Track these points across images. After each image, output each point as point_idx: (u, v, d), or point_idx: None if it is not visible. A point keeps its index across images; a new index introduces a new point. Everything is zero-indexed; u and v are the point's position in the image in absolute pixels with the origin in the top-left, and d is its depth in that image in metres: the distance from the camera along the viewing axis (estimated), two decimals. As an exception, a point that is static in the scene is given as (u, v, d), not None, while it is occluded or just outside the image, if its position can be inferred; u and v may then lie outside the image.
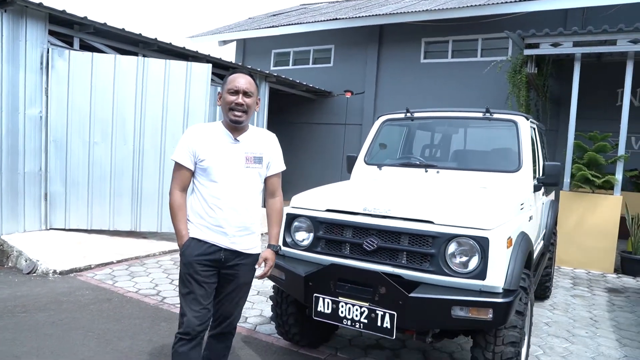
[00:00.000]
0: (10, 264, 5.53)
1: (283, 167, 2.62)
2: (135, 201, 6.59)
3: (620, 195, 6.78)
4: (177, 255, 6.21)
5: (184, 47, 8.03)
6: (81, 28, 6.96)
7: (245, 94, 2.37)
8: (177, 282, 5.04)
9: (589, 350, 3.91)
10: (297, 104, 12.63)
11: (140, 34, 7.35)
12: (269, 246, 2.58)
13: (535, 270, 4.31)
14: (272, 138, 2.59)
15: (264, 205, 2.67)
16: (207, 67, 6.62)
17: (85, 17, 6.64)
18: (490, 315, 2.56)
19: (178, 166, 2.42)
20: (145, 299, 4.56)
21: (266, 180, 2.56)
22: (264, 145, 2.51)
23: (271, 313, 3.66)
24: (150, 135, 6.58)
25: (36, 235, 6.22)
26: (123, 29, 7.09)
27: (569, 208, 6.97)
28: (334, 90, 12.26)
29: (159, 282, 5.10)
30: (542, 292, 5.14)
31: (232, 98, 2.36)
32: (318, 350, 3.62)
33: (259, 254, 2.54)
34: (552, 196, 5.61)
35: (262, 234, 2.63)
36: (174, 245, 6.56)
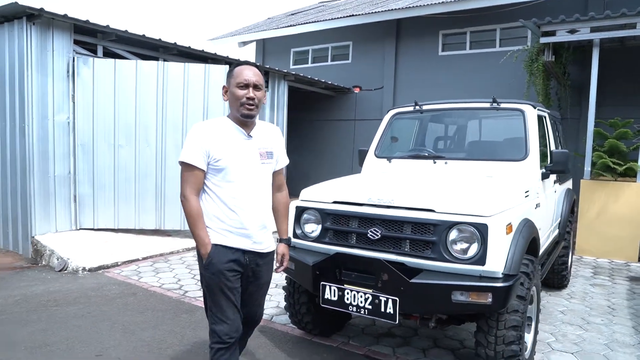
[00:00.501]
0: (43, 262, 5.85)
1: (287, 161, 2.60)
2: (159, 201, 6.84)
3: (644, 183, 6.66)
4: (199, 252, 6.45)
5: (202, 50, 8.25)
6: (104, 36, 7.26)
7: (255, 87, 2.28)
8: (199, 277, 5.28)
9: (602, 337, 3.91)
10: (316, 102, 12.75)
11: (160, 39, 7.60)
12: (281, 240, 2.56)
13: (548, 258, 4.33)
14: (278, 131, 2.54)
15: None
16: (225, 69, 6.81)
17: (108, 26, 6.92)
18: (490, 300, 2.63)
19: (190, 168, 2.24)
20: (168, 293, 4.78)
21: (273, 174, 2.50)
22: (273, 140, 2.46)
23: (284, 307, 3.80)
24: (172, 137, 6.82)
25: (67, 235, 6.54)
26: (143, 35, 7.35)
27: (590, 197, 6.88)
28: (357, 85, 12.32)
29: (181, 277, 5.31)
30: (559, 281, 5.13)
31: (242, 92, 2.26)
32: (331, 338, 3.74)
33: (274, 250, 2.50)
34: (568, 185, 5.58)
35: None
36: (197, 242, 6.79)
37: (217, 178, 2.27)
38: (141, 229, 6.97)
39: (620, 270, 6.19)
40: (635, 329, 4.11)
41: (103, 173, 6.82)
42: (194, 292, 4.82)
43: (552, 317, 4.33)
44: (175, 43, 7.73)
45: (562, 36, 7.09)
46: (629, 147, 6.78)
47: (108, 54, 7.45)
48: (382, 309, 2.81)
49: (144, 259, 5.96)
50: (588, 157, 7.02)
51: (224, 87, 2.38)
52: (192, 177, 2.25)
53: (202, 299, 4.55)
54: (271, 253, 2.47)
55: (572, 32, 7.00)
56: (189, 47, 7.94)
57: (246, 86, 2.27)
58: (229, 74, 2.34)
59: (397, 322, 2.80)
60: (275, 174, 2.51)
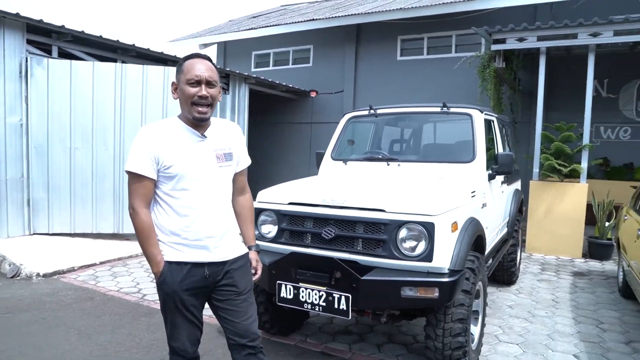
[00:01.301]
0: (-5, 269, 5.68)
1: (249, 161, 2.35)
2: (117, 204, 6.75)
3: (586, 183, 7.06)
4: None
5: (162, 52, 8.19)
6: (59, 36, 7.11)
7: (209, 83, 2.01)
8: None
9: (545, 328, 4.16)
10: (278, 105, 12.82)
11: (117, 41, 7.51)
12: (250, 247, 2.34)
13: (496, 254, 4.56)
14: (237, 129, 2.26)
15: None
16: (184, 71, 6.78)
17: (63, 26, 6.79)
18: (437, 294, 2.79)
19: (137, 178, 1.98)
20: (126, 297, 4.74)
21: (235, 177, 2.24)
22: (231, 139, 2.18)
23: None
24: (131, 140, 6.71)
25: (20, 240, 6.36)
26: (100, 36, 7.25)
27: (538, 197, 7.24)
28: (313, 89, 12.46)
29: (140, 281, 5.28)
30: (509, 277, 5.38)
31: (193, 90, 1.98)
32: (289, 337, 3.82)
33: (247, 252, 2.28)
34: (517, 185, 5.87)
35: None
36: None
37: (169, 187, 2.01)
38: (99, 233, 6.86)
39: (565, 266, 6.54)
40: (575, 320, 4.38)
41: (58, 176, 6.68)
42: (153, 295, 4.80)
43: (501, 312, 4.56)
44: (133, 45, 7.65)
45: (511, 44, 7.43)
46: (573, 150, 7.16)
47: (63, 54, 7.31)
48: (336, 306, 2.92)
49: (101, 263, 5.87)
50: (536, 159, 7.39)
51: (173, 83, 2.09)
52: (141, 187, 1.99)
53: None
54: (241, 258, 2.21)
55: (520, 40, 7.36)
56: (148, 49, 7.87)
57: (198, 83, 1.99)
58: (178, 69, 2.06)
59: (349, 317, 2.91)
60: (236, 176, 2.26)
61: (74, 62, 6.68)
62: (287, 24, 12.07)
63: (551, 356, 3.58)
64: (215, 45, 14.13)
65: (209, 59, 2.07)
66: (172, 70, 6.78)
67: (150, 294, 4.84)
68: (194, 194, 2.03)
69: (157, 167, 1.99)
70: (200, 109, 2.00)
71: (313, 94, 11.95)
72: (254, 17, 15.88)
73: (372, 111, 4.61)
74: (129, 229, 6.79)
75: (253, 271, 2.31)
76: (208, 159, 2.07)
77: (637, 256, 4.16)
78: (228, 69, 10.26)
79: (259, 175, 12.81)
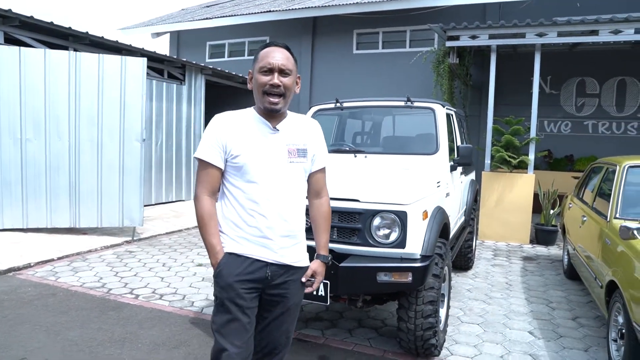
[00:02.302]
0: (-58, 267, 5.38)
1: (327, 162, 2.17)
2: (74, 197, 6.53)
3: (533, 174, 7.52)
4: (120, 249, 6.29)
5: (117, 41, 7.96)
6: (5, 21, 6.76)
7: (282, 72, 1.91)
8: (123, 274, 5.20)
9: (502, 308, 4.46)
10: (234, 96, 12.71)
11: (70, 28, 7.23)
12: (318, 257, 2.13)
13: (456, 241, 4.81)
14: (316, 126, 2.12)
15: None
16: (142, 61, 6.64)
17: (10, 10, 6.47)
18: (410, 279, 2.95)
19: (204, 165, 1.94)
20: (91, 292, 4.64)
21: (310, 177, 2.09)
22: (307, 135, 2.05)
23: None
24: (87, 130, 6.53)
25: (-32, 236, 6.05)
26: (52, 22, 6.96)
27: (490, 187, 7.64)
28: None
29: (103, 276, 5.17)
30: (465, 263, 5.69)
31: (266, 79, 1.90)
32: (262, 325, 3.89)
33: (308, 266, 2.09)
34: (472, 176, 6.18)
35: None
36: (116, 240, 6.60)
37: (236, 177, 1.94)
38: (54, 228, 6.61)
39: (515, 251, 6.97)
40: (528, 300, 4.72)
41: (8, 169, 6.38)
42: (118, 289, 4.73)
43: (461, 295, 4.83)
44: (87, 32, 7.40)
45: (464, 41, 7.76)
46: (522, 142, 7.60)
47: (10, 40, 6.95)
48: (315, 292, 3.03)
49: (59, 258, 5.69)
50: (488, 151, 7.78)
51: (249, 72, 2.01)
52: (206, 175, 1.94)
53: (128, 295, 4.53)
54: (303, 269, 2.06)
55: (473, 37, 7.69)
56: (102, 37, 7.64)
57: (270, 71, 1.90)
58: (255, 58, 1.98)
59: (328, 303, 3.03)
60: (312, 176, 2.10)
61: (23, 49, 6.37)
62: (243, 14, 11.97)
63: (509, 333, 3.86)
64: (168, 35, 13.79)
65: (287, 48, 1.96)
66: (130, 60, 6.60)
67: (116, 288, 4.77)
68: (260, 187, 1.92)
69: (224, 156, 1.93)
70: (271, 99, 1.91)
71: None
72: (208, 6, 15.60)
73: (338, 104, 4.72)
74: (87, 222, 6.60)
75: (305, 279, 2.06)
76: (278, 153, 1.95)
77: (582, 240, 4.53)
78: (184, 59, 10.09)
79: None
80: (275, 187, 1.94)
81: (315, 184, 2.12)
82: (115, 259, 5.85)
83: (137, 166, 6.61)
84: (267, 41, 12.39)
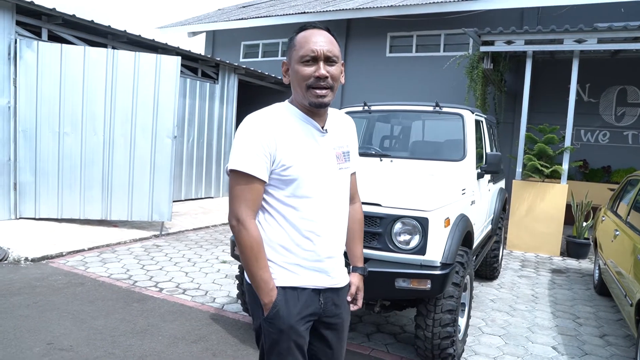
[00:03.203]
0: (-19, 252, 5.64)
1: (360, 164, 1.96)
2: (106, 190, 6.73)
3: (566, 184, 7.31)
4: (148, 243, 6.45)
5: (153, 40, 8.15)
6: (49, 19, 7.03)
7: (328, 60, 1.56)
8: (149, 267, 5.32)
9: (525, 321, 4.35)
10: (266, 96, 12.83)
11: (109, 26, 7.46)
12: (356, 269, 1.87)
13: (481, 249, 4.73)
14: (352, 123, 1.85)
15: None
16: (177, 60, 6.79)
17: (54, 9, 6.72)
18: (429, 286, 2.92)
19: (245, 179, 1.54)
20: (118, 283, 4.78)
21: None
22: (347, 134, 1.78)
23: (236, 295, 3.95)
24: (120, 126, 6.72)
25: (6, 224, 6.31)
26: (92, 21, 7.19)
27: (520, 196, 7.46)
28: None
29: (130, 268, 5.31)
30: (491, 273, 5.57)
31: (310, 70, 1.55)
32: (281, 325, 3.92)
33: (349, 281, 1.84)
34: (501, 184, 6.05)
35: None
36: (145, 233, 6.77)
37: (284, 193, 1.59)
38: (86, 219, 6.84)
39: (544, 263, 6.78)
40: (554, 314, 4.59)
41: (47, 160, 6.63)
42: (144, 282, 4.85)
43: (484, 305, 4.74)
44: (125, 31, 7.61)
45: (500, 46, 7.61)
46: (555, 152, 7.40)
47: (54, 37, 7.23)
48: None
49: (90, 249, 5.88)
50: (520, 159, 7.60)
51: (283, 63, 1.67)
52: (249, 192, 1.55)
53: (153, 288, 4.63)
54: (348, 287, 1.81)
55: (508, 43, 7.53)
56: (140, 35, 7.84)
57: (314, 60, 1.55)
58: (290, 45, 1.62)
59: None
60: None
61: (64, 46, 6.62)
62: (278, 15, 12.08)
63: (531, 347, 3.76)
64: (204, 34, 14.05)
65: (328, 30, 1.61)
66: (164, 58, 6.77)
67: (141, 280, 4.89)
68: (316, 203, 1.60)
69: (271, 167, 1.56)
70: (319, 91, 1.55)
71: None
72: (244, 7, 15.81)
73: (366, 107, 4.71)
74: (117, 215, 6.79)
75: (349, 297, 1.81)
76: (329, 159, 1.65)
77: (613, 255, 4.37)
78: (218, 59, 10.26)
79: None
80: (330, 201, 1.64)
81: (350, 188, 1.82)
82: (142, 252, 5.99)
83: (167, 162, 6.76)
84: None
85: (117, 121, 6.73)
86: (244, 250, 1.56)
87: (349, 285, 1.80)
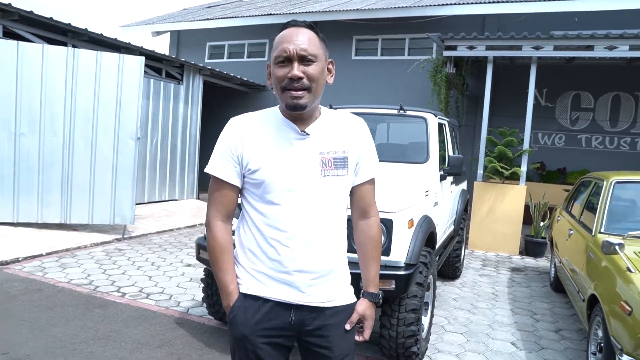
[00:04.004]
0: None
1: (377, 172, 1.68)
2: (66, 194, 6.53)
3: (525, 185, 7.57)
4: (110, 247, 6.30)
5: (115, 39, 7.97)
6: (5, 15, 6.78)
7: (304, 59, 1.45)
8: (111, 272, 5.20)
9: (486, 319, 4.49)
10: (231, 98, 12.75)
11: (69, 24, 7.25)
12: (365, 295, 1.66)
13: (444, 250, 4.84)
14: (361, 126, 1.65)
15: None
16: (140, 60, 6.66)
17: (9, 4, 6.49)
18: (393, 286, 2.98)
19: (217, 182, 1.55)
20: (78, 289, 4.65)
21: (353, 191, 1.64)
22: (348, 139, 1.59)
23: (202, 298, 3.91)
24: (81, 128, 6.54)
25: (-42, 228, 6.04)
26: (51, 18, 6.98)
27: (481, 197, 7.67)
28: (267, 84, 12.47)
29: (91, 273, 5.17)
30: (453, 272, 5.71)
31: (283, 72, 1.46)
32: (247, 327, 3.91)
33: (355, 302, 1.64)
34: (463, 186, 6.22)
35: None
36: (106, 237, 6.60)
37: (256, 197, 1.54)
38: (44, 223, 6.61)
39: (504, 262, 7.00)
40: (513, 311, 4.75)
41: (1, 162, 6.38)
42: (106, 287, 4.73)
43: (446, 304, 4.85)
44: (86, 29, 7.42)
45: (462, 51, 7.81)
46: (515, 154, 7.65)
47: (8, 34, 6.97)
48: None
49: (48, 254, 5.69)
50: (481, 161, 7.82)
51: (267, 66, 1.57)
52: (219, 195, 1.55)
53: (115, 293, 4.53)
54: (345, 309, 1.60)
55: (470, 48, 7.75)
56: (101, 34, 7.66)
57: (288, 60, 1.46)
58: (273, 44, 1.52)
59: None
60: (355, 190, 1.64)
61: (21, 43, 6.38)
62: (244, 16, 12.02)
63: (492, 344, 3.89)
64: (168, 34, 13.82)
65: (310, 27, 1.50)
66: (127, 58, 6.63)
67: (103, 285, 4.77)
68: (284, 210, 1.50)
69: (240, 170, 1.53)
70: (293, 93, 1.45)
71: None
72: (209, 7, 15.64)
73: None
74: (77, 219, 6.60)
75: (349, 325, 1.60)
76: (308, 164, 1.52)
77: (568, 254, 4.56)
78: (183, 59, 10.12)
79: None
80: (304, 210, 1.50)
81: (360, 200, 1.65)
82: (104, 256, 5.85)
83: (130, 164, 6.62)
84: (267, 43, 12.36)
85: (78, 122, 6.54)
86: (209, 251, 1.57)
87: (347, 309, 1.60)
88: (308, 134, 1.53)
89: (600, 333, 3.09)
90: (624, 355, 2.54)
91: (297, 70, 1.44)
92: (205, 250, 3.43)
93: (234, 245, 1.61)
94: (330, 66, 1.57)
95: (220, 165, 1.54)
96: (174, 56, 10.84)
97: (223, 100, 12.76)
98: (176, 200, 10.27)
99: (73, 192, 6.55)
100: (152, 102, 9.30)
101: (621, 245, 3.00)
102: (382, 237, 3.04)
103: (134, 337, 3.60)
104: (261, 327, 1.51)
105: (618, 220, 3.83)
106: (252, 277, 1.54)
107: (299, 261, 1.51)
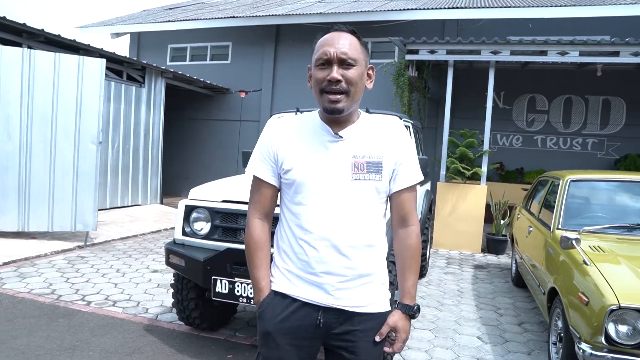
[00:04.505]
0: None
1: (420, 177, 1.64)
2: (23, 200, 6.29)
3: (485, 185, 7.82)
4: (71, 254, 6.12)
5: (74, 40, 7.76)
6: (-46, 15, 6.48)
7: (343, 62, 1.48)
8: (74, 280, 5.06)
9: (453, 315, 4.62)
10: (194, 100, 12.59)
11: (24, 24, 7.01)
12: (398, 306, 1.61)
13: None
14: (400, 131, 1.62)
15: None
16: (101, 63, 6.50)
17: (-40, 5, 6.20)
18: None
19: (255, 181, 1.62)
20: (40, 298, 4.49)
21: (392, 198, 1.62)
22: (384, 143, 1.57)
23: (172, 304, 3.86)
24: (39, 132, 6.31)
25: None
26: (4, 17, 6.72)
27: (444, 197, 7.88)
28: (231, 87, 12.40)
29: (52, 282, 5.01)
30: (420, 271, 5.83)
31: (323, 74, 1.49)
32: (218, 332, 3.89)
33: (385, 312, 1.60)
34: (427, 187, 6.37)
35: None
36: (68, 245, 6.41)
37: (288, 197, 1.58)
38: (0, 232, 6.35)
39: (467, 260, 7.21)
40: (477, 307, 4.91)
41: (-48, 169, 6.09)
42: (69, 295, 4.60)
43: (413, 302, 4.96)
44: (42, 30, 7.19)
45: (423, 55, 8.01)
46: (475, 155, 7.90)
47: (-41, 36, 6.67)
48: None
49: (5, 264, 5.46)
50: (443, 162, 8.04)
51: (308, 68, 1.60)
52: (258, 194, 1.61)
53: (80, 302, 4.42)
54: (378, 315, 1.58)
55: (431, 52, 7.95)
56: (59, 35, 7.43)
57: (327, 63, 1.48)
58: (314, 48, 1.56)
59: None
60: (394, 197, 1.61)
61: (-27, 45, 6.13)
62: (206, 19, 11.90)
63: (459, 339, 4.01)
64: (128, 35, 13.52)
65: (352, 32, 1.54)
66: (87, 60, 6.46)
67: (66, 294, 4.63)
68: (311, 211, 1.52)
69: (276, 170, 1.58)
70: (331, 96, 1.48)
71: (242, 95, 11.88)
72: (170, 8, 15.41)
73: (298, 113, 4.79)
74: (36, 226, 6.37)
75: (378, 337, 1.58)
76: (339, 167, 1.53)
77: (528, 250, 4.76)
78: (144, 62, 9.93)
79: (177, 173, 12.53)
80: (330, 212, 1.51)
81: (398, 208, 1.61)
82: (66, 264, 5.67)
83: (92, 169, 6.45)
84: (230, 45, 12.27)
85: (36, 126, 6.32)
86: (245, 247, 1.63)
87: (379, 317, 1.58)
88: (342, 137, 1.55)
89: (560, 324, 3.25)
90: (582, 343, 2.69)
91: (336, 72, 1.47)
92: (175, 255, 3.42)
93: (272, 245, 1.65)
94: (370, 72, 1.59)
95: (258, 165, 1.60)
96: (135, 58, 10.62)
97: (186, 103, 12.58)
98: (139, 205, 10.05)
99: (31, 199, 6.32)
100: (113, 105, 9.08)
101: (577, 240, 3.17)
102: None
103: (102, 346, 3.52)
104: (286, 326, 1.53)
105: (574, 217, 4.03)
106: (284, 276, 1.57)
107: (326, 263, 1.51)
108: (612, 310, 2.54)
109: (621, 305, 2.53)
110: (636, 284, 2.71)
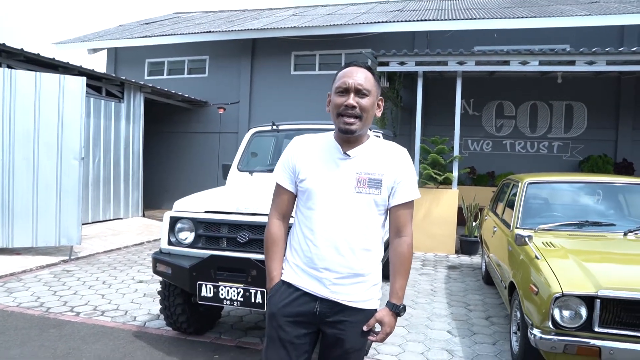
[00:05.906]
0: None
1: (415, 195, 1.90)
2: (7, 216, 6.41)
3: (457, 189, 8.20)
4: (57, 269, 6.26)
5: (53, 58, 7.90)
6: None
7: (359, 92, 1.79)
8: (61, 293, 5.22)
9: (425, 312, 4.92)
10: (173, 114, 12.76)
11: (4, 44, 7.14)
12: (387, 304, 1.89)
13: (385, 252, 5.25)
14: (401, 155, 1.91)
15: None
16: (82, 81, 6.68)
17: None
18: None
19: (277, 187, 1.97)
20: (29, 311, 4.64)
21: (390, 212, 1.90)
22: (385, 164, 1.86)
23: (158, 311, 4.07)
24: (22, 150, 6.45)
25: None
26: (-16, 40, 6.85)
27: (418, 202, 8.21)
28: (209, 100, 12.62)
29: (40, 295, 5.15)
30: (395, 272, 6.13)
31: (341, 100, 1.80)
32: (204, 335, 4.11)
33: (374, 310, 1.89)
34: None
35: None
36: (52, 259, 6.53)
37: (302, 202, 1.91)
38: (-16, 249, 6.45)
39: (441, 261, 7.55)
40: (449, 304, 5.22)
41: None
42: (58, 307, 4.75)
43: (389, 301, 5.24)
44: (22, 49, 7.32)
45: (394, 67, 8.39)
46: (447, 160, 8.28)
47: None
48: (253, 300, 3.31)
49: (-9, 279, 5.59)
50: (416, 168, 8.39)
51: (328, 95, 1.93)
52: (277, 197, 1.97)
53: (69, 313, 4.59)
54: (366, 312, 1.87)
55: (401, 64, 8.33)
56: (39, 54, 7.58)
57: (346, 91, 1.80)
58: (333, 78, 1.90)
59: (265, 309, 3.32)
60: (392, 211, 1.90)
61: (-47, 66, 6.25)
62: (183, 34, 12.12)
63: (430, 333, 4.31)
64: (105, 50, 13.64)
65: (369, 69, 1.86)
66: (68, 78, 6.63)
67: (55, 306, 4.79)
68: (317, 215, 1.84)
69: (294, 178, 1.91)
70: (346, 119, 1.79)
71: (221, 111, 12.07)
72: (147, 23, 15.56)
73: (275, 127, 5.07)
74: (20, 242, 6.48)
75: (365, 328, 1.86)
76: (345, 181, 1.83)
77: (493, 249, 5.10)
78: (123, 77, 10.09)
79: (156, 186, 12.64)
80: (334, 217, 1.82)
81: (395, 221, 1.90)
82: (52, 278, 5.81)
83: (75, 185, 6.60)
84: (207, 59, 12.45)
85: (18, 144, 6.45)
86: (264, 242, 1.98)
87: (366, 314, 1.86)
88: (349, 156, 1.85)
89: (518, 314, 3.57)
90: (534, 329, 3.00)
91: (352, 99, 1.79)
92: (162, 263, 3.65)
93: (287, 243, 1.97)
94: (380, 102, 1.92)
95: (280, 173, 1.95)
96: (113, 74, 10.76)
97: (165, 117, 12.74)
98: (121, 218, 10.16)
99: (15, 215, 6.43)
100: (93, 120, 9.22)
101: (530, 237, 3.50)
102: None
103: (94, 352, 3.71)
104: (288, 310, 1.85)
105: (532, 216, 4.37)
106: (292, 269, 1.90)
107: (326, 260, 1.82)
108: (557, 298, 2.86)
109: (564, 292, 2.85)
110: (579, 274, 3.04)
